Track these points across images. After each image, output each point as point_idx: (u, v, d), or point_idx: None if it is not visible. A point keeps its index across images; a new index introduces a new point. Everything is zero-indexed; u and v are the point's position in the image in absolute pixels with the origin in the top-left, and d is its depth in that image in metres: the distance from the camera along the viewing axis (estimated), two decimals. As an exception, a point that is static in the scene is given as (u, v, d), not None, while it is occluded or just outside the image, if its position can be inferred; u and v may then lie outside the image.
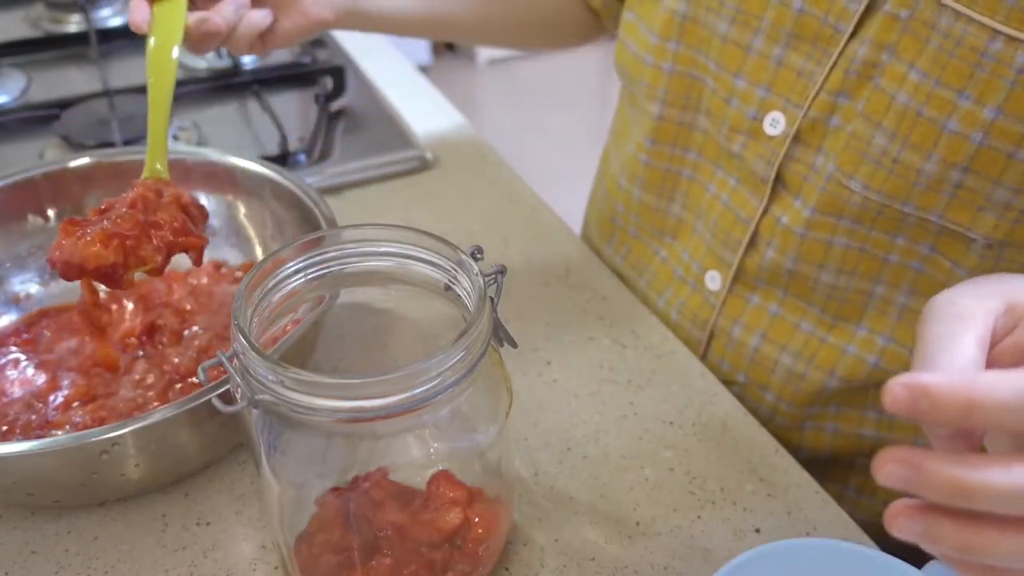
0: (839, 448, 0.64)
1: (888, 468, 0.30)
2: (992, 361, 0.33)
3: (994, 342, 0.34)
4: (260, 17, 0.62)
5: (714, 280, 0.64)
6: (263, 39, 0.64)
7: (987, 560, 0.30)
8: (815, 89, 0.54)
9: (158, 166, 0.56)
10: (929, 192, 0.51)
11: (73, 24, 1.06)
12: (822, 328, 0.60)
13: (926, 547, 0.31)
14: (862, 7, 0.51)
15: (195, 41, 0.60)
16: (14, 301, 0.63)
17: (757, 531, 0.52)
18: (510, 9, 0.75)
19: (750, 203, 0.60)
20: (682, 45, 0.60)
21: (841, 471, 0.66)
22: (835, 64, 0.53)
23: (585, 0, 0.75)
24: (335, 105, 0.90)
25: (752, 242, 0.60)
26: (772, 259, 0.59)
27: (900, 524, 0.31)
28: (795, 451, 0.64)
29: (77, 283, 0.65)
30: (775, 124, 0.56)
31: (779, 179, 0.58)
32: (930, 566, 0.42)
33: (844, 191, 0.54)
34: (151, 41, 0.59)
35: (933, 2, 0.48)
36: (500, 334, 0.44)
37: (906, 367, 0.59)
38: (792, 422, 0.64)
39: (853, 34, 0.52)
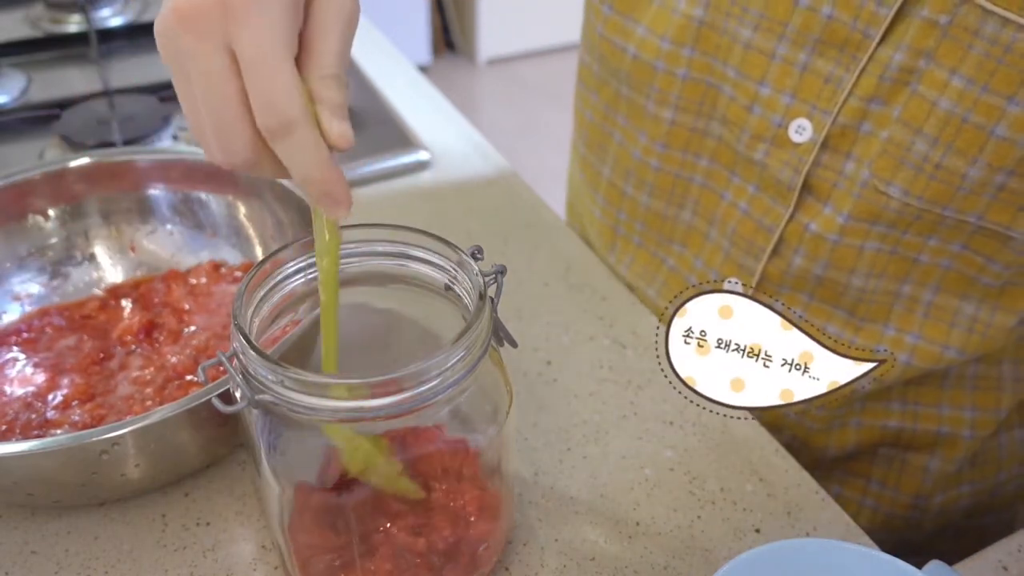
0: (863, 441, 0.65)
1: None
2: None
3: None
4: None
5: (735, 288, 0.63)
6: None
7: None
8: (844, 95, 0.53)
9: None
10: (971, 195, 0.51)
11: (73, 24, 1.06)
12: (849, 330, 0.60)
13: None
14: (892, 11, 0.50)
15: None
16: (14, 301, 0.63)
17: (757, 531, 0.52)
18: None
19: (774, 210, 0.59)
20: (697, 51, 0.59)
21: (864, 464, 0.66)
22: (864, 70, 0.52)
23: None
24: (335, 105, 0.90)
25: (776, 249, 0.60)
26: (800, 266, 0.59)
27: None
28: (823, 451, 0.64)
29: (77, 283, 0.66)
30: (801, 131, 0.56)
31: (806, 186, 0.57)
32: (930, 566, 0.42)
33: (881, 197, 0.53)
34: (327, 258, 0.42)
35: (976, 8, 0.47)
36: (500, 334, 0.44)
37: (938, 363, 0.59)
38: (821, 424, 0.64)
39: (883, 39, 0.51)
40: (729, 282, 0.64)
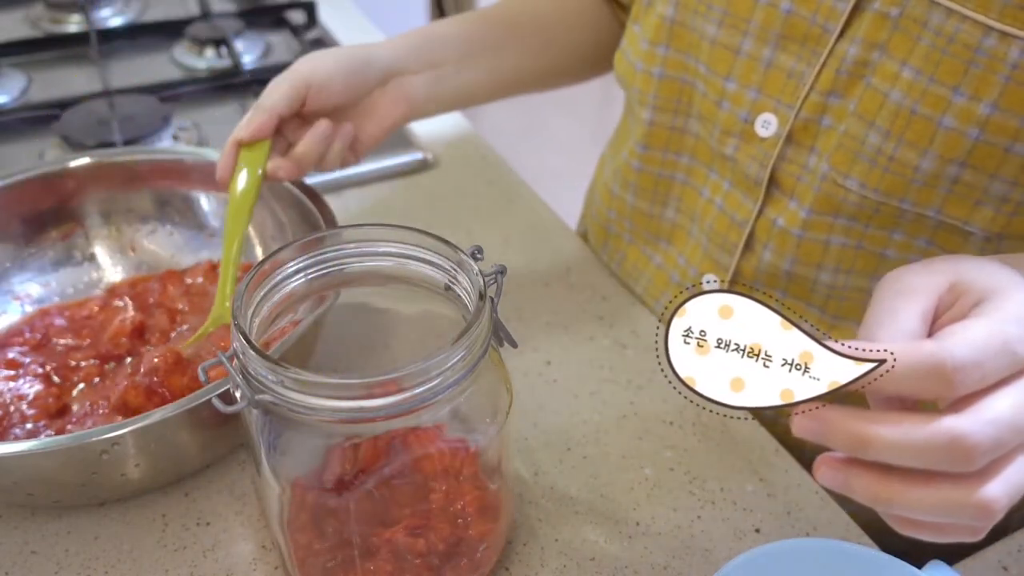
0: None
1: (798, 420, 0.34)
2: (934, 334, 0.35)
3: (937, 317, 0.36)
4: (344, 136, 0.60)
5: (711, 284, 0.64)
6: (352, 150, 0.62)
7: (897, 510, 0.33)
8: (806, 89, 0.54)
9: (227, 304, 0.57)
10: (926, 188, 0.51)
11: (73, 24, 1.06)
12: (823, 327, 0.60)
13: (847, 494, 0.34)
14: (849, 6, 0.51)
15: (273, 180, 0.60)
16: (14, 301, 0.63)
17: (757, 531, 0.52)
18: (560, 55, 0.75)
19: (744, 205, 0.60)
20: (671, 50, 0.60)
21: None
22: (824, 64, 0.53)
23: (623, 24, 0.74)
24: (335, 105, 0.90)
25: (748, 245, 0.60)
26: (769, 261, 0.59)
27: (822, 473, 0.34)
28: (801, 451, 0.64)
29: (77, 283, 0.66)
30: (767, 125, 0.56)
31: (772, 181, 0.58)
32: (930, 566, 0.42)
33: (840, 191, 0.54)
34: (237, 187, 0.58)
35: (923, 0, 0.48)
36: (500, 334, 0.44)
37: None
38: None
39: (842, 33, 0.52)
40: (706, 279, 0.64)
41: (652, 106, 0.63)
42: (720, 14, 0.57)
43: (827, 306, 0.60)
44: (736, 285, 0.63)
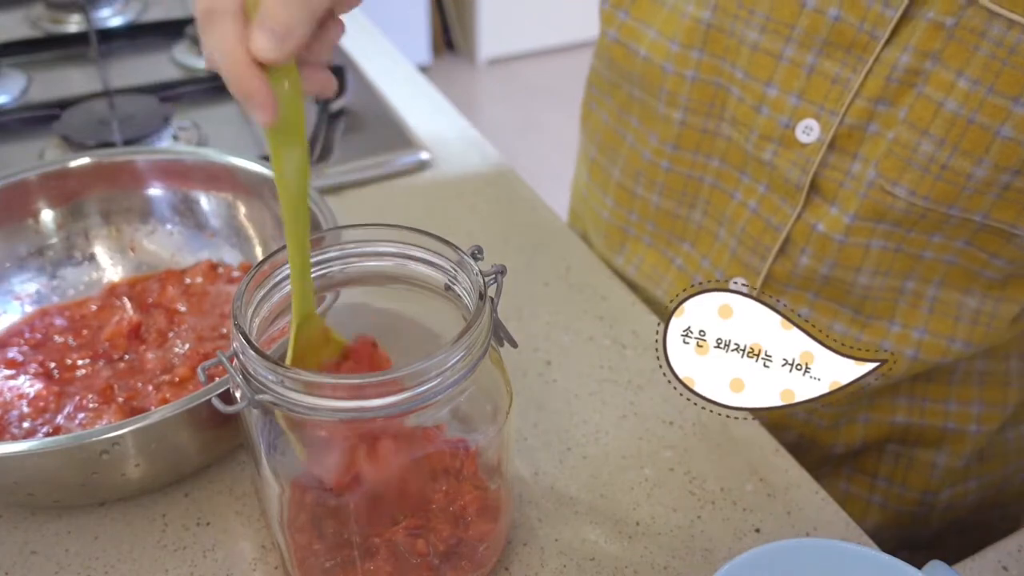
0: (870, 436, 0.65)
1: None
2: None
3: None
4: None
5: (739, 288, 0.64)
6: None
7: None
8: (851, 96, 0.53)
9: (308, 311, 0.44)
10: (976, 195, 0.51)
11: (73, 24, 1.06)
12: (855, 328, 0.60)
13: None
14: (898, 13, 0.50)
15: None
16: (14, 301, 0.63)
17: (757, 531, 0.52)
18: None
19: (782, 210, 0.59)
20: (706, 53, 0.60)
21: (871, 461, 0.66)
22: (871, 71, 0.52)
23: None
24: (335, 105, 0.90)
25: (783, 249, 0.60)
26: (806, 265, 0.59)
27: None
28: (830, 448, 0.65)
29: (77, 283, 0.66)
30: (809, 132, 0.56)
31: (813, 186, 0.57)
32: (930, 566, 0.42)
33: (888, 198, 0.53)
34: (275, 133, 0.40)
35: (982, 10, 0.47)
36: (500, 334, 0.44)
37: (945, 356, 0.59)
38: (829, 422, 0.64)
39: (889, 40, 0.51)
40: (734, 282, 0.64)
41: (684, 107, 0.62)
42: (763, 19, 0.56)
43: (862, 307, 0.59)
44: (766, 289, 0.62)
